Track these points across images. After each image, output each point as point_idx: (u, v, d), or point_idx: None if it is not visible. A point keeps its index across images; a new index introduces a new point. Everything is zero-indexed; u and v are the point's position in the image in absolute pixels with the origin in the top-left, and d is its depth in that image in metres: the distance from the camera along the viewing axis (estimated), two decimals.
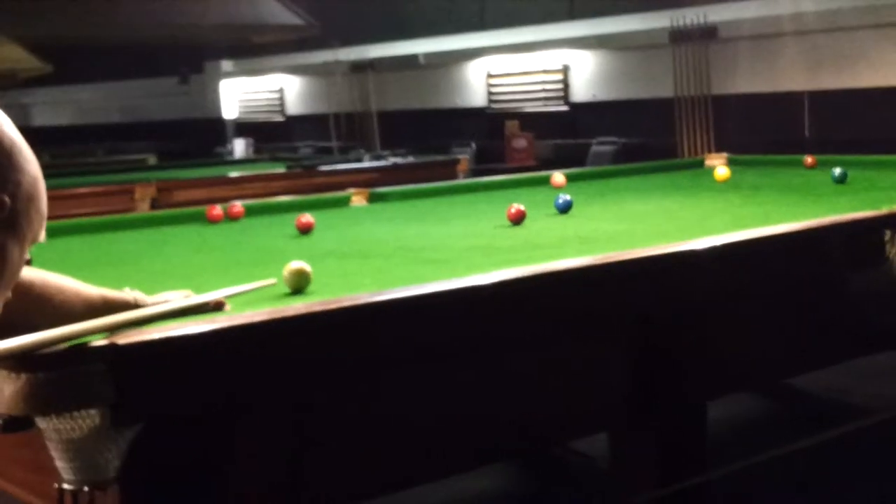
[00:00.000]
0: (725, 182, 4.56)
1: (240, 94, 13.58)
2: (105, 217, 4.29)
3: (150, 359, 1.62)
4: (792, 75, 8.03)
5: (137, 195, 6.06)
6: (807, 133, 7.94)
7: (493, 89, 10.37)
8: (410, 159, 7.71)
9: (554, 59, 9.72)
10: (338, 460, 1.92)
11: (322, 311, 1.82)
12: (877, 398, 3.93)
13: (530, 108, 9.99)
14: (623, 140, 9.08)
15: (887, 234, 2.77)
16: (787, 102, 8.03)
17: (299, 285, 2.27)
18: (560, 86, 9.73)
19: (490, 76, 10.36)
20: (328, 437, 1.89)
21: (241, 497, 1.80)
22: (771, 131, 7.96)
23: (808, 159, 5.02)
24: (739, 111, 8.32)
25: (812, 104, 7.94)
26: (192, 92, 13.85)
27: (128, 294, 1.89)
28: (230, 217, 3.97)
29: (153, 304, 1.90)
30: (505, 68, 10.23)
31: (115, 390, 1.55)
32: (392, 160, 7.62)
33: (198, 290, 2.41)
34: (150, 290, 2.42)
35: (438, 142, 10.06)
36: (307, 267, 2.29)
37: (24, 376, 1.51)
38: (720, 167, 4.87)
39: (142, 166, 8.96)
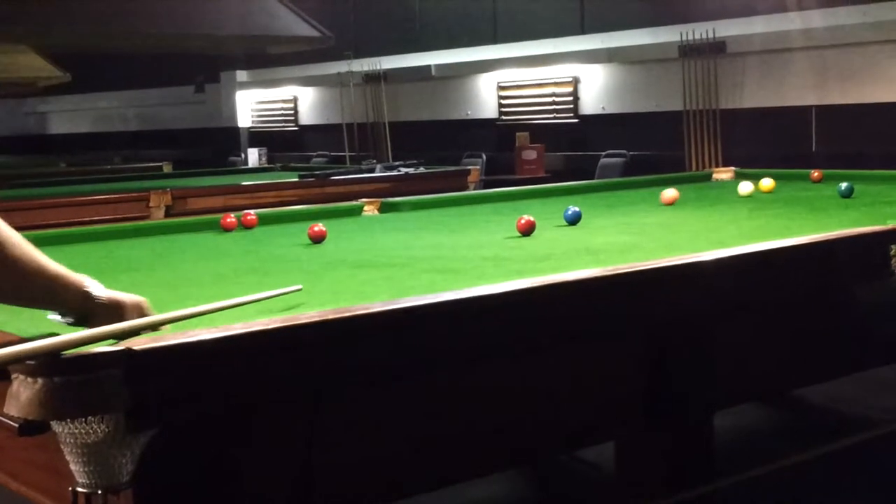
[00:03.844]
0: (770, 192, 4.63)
1: (254, 103, 13.64)
2: (120, 224, 4.33)
3: (165, 365, 1.65)
4: (799, 90, 8.04)
5: (152, 202, 6.10)
6: (814, 147, 7.95)
7: (504, 101, 10.40)
8: (422, 170, 7.73)
9: (564, 71, 9.75)
10: (349, 467, 1.95)
11: (335, 319, 1.85)
12: (883, 410, 3.94)
13: (540, 120, 10.02)
14: (632, 153, 9.11)
15: (893, 249, 2.79)
16: (794, 117, 8.04)
17: None
18: (570, 98, 9.75)
19: (501, 88, 10.40)
20: (341, 443, 1.92)
21: (255, 501, 1.83)
22: (778, 145, 7.97)
23: (815, 173, 5.04)
24: (747, 125, 8.33)
25: (819, 119, 7.95)
26: (208, 101, 13.91)
27: (83, 280, 1.87)
28: (244, 225, 4.00)
29: (106, 299, 1.88)
30: (516, 80, 10.27)
31: (130, 396, 1.58)
32: (403, 170, 7.65)
33: (212, 298, 2.45)
34: (165, 298, 2.46)
35: (449, 153, 10.09)
36: None
37: (40, 381, 1.54)
38: (765, 178, 4.78)
39: (157, 174, 9.00)
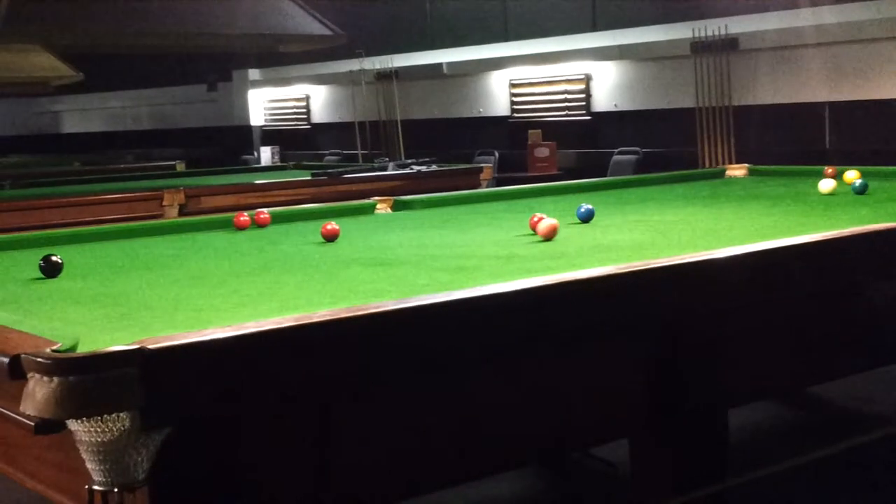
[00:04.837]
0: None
1: (266, 102, 13.66)
2: (135, 223, 4.34)
3: (178, 363, 1.65)
4: (813, 86, 8.01)
5: (166, 201, 6.12)
6: (827, 144, 7.92)
7: (516, 99, 10.39)
8: (434, 168, 7.74)
9: (576, 69, 9.73)
10: (362, 464, 1.95)
11: (347, 318, 1.85)
12: None
13: (553, 117, 10.01)
14: (644, 150, 9.09)
15: None
16: (807, 113, 8.02)
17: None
18: (582, 95, 9.74)
19: (513, 85, 10.39)
20: (353, 440, 1.93)
21: (269, 499, 1.84)
22: (791, 142, 7.95)
23: (829, 170, 5.02)
24: (760, 122, 8.31)
25: (833, 115, 7.92)
26: (220, 100, 13.94)
27: None
28: (257, 224, 4.01)
29: None
30: (528, 78, 10.26)
31: (144, 394, 1.59)
32: (416, 168, 7.65)
33: (225, 296, 2.46)
34: (179, 296, 2.47)
35: (462, 150, 10.09)
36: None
37: (56, 380, 1.55)
38: (849, 171, 4.50)
39: (170, 173, 9.02)
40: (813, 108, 7.99)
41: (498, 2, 10.40)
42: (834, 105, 7.92)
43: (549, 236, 3.24)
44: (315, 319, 1.82)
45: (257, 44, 9.17)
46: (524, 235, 3.37)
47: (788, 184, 4.88)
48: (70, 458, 1.69)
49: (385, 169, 7.76)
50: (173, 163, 10.28)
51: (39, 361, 1.58)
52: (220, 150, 12.98)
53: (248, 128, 13.67)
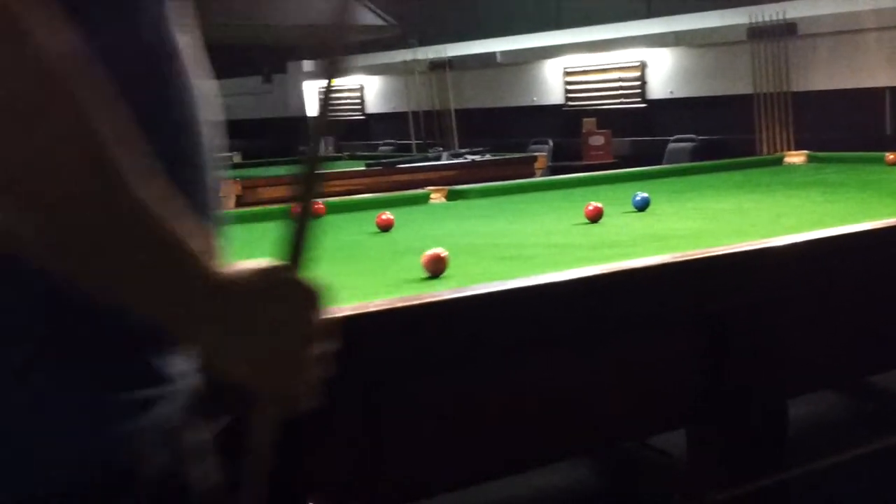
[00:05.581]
0: None
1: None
2: None
3: None
4: (873, 71, 7.88)
5: (223, 193, 6.17)
6: (888, 130, 7.78)
7: (571, 87, 10.34)
8: (488, 157, 7.73)
9: (631, 56, 9.66)
10: (415, 453, 1.96)
11: (404, 307, 1.86)
12: None
13: (607, 105, 9.95)
14: (701, 137, 9.00)
15: None
16: (867, 99, 7.88)
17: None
18: (637, 83, 9.67)
19: (567, 74, 10.34)
20: (406, 429, 1.94)
21: (323, 487, 1.85)
22: (851, 128, 7.83)
23: (890, 156, 4.94)
24: (819, 108, 8.19)
25: (894, 100, 7.79)
26: (276, 91, 14.04)
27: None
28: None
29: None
30: (582, 66, 10.20)
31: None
32: (470, 158, 7.65)
33: None
34: None
35: (516, 139, 10.07)
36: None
37: None
38: None
39: (227, 164, 9.10)
40: (873, 94, 7.85)
41: None
42: (895, 90, 7.78)
43: (435, 270, 2.50)
44: (371, 309, 1.84)
45: (311, 35, 9.21)
46: (579, 224, 3.37)
47: (849, 170, 4.81)
48: None
49: (439, 159, 7.77)
50: (230, 154, 10.37)
51: None
52: (276, 142, 13.07)
53: (304, 119, 13.75)
